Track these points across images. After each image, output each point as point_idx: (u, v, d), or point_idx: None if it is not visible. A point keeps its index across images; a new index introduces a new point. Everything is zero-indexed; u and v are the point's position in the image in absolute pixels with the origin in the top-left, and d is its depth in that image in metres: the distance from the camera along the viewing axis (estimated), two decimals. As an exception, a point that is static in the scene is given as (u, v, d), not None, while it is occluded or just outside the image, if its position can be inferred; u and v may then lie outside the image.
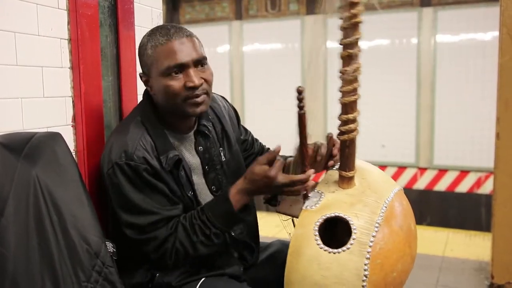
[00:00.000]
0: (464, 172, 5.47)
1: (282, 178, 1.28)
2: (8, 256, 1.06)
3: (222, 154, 1.52)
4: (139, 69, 1.75)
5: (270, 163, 1.29)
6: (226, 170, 1.52)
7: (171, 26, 1.37)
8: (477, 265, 3.25)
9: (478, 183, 5.42)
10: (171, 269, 1.39)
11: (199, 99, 1.34)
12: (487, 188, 5.29)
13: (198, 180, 1.46)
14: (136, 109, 1.47)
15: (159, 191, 1.33)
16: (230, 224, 1.35)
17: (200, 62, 1.35)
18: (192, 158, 1.46)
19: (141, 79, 1.42)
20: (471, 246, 3.70)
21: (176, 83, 1.31)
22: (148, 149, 1.33)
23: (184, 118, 1.43)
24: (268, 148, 1.78)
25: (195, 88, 1.32)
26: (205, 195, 1.47)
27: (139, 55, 1.42)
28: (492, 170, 2.91)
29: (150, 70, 1.36)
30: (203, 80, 1.34)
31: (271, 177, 1.27)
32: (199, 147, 1.47)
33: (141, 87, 1.77)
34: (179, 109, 1.35)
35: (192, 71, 1.32)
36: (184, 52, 1.32)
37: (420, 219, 5.54)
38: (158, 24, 1.88)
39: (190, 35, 1.36)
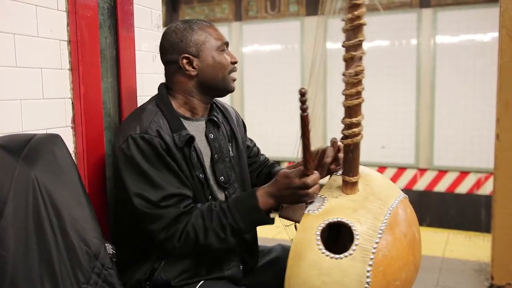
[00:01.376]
0: (464, 173, 5.47)
1: (297, 180, 1.28)
2: (7, 257, 1.06)
3: (230, 149, 1.56)
4: (138, 70, 1.76)
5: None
6: (234, 165, 1.55)
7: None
8: (477, 266, 3.25)
9: (478, 184, 5.42)
10: (172, 268, 1.39)
11: (236, 76, 1.53)
12: (487, 189, 5.29)
13: (207, 168, 1.48)
14: (152, 98, 1.52)
15: (170, 169, 1.35)
16: (249, 220, 1.35)
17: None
18: (202, 146, 1.48)
19: (179, 62, 1.45)
20: (471, 247, 3.69)
21: (227, 57, 1.49)
22: (162, 126, 1.39)
23: (210, 100, 1.54)
24: (273, 163, 1.80)
25: (236, 63, 1.52)
26: (211, 185, 1.48)
27: (179, 38, 1.46)
28: (492, 171, 2.91)
29: (202, 47, 1.46)
30: None
31: (289, 177, 1.29)
32: (210, 135, 1.50)
33: (140, 89, 1.78)
34: (224, 81, 1.49)
35: (228, 50, 1.52)
36: (222, 34, 1.52)
37: (420, 220, 5.52)
38: (158, 26, 1.89)
39: None
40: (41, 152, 1.22)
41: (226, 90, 1.51)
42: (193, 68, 1.45)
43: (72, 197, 1.26)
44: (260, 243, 1.63)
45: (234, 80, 1.52)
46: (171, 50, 1.46)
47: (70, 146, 1.47)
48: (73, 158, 1.44)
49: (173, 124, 1.41)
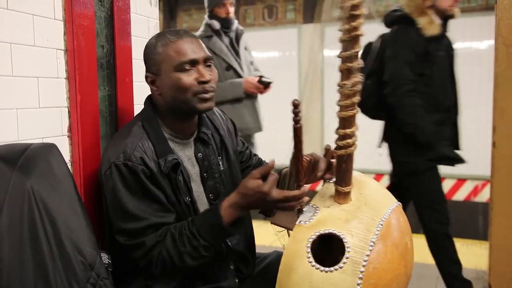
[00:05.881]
0: (461, 180, 5.47)
1: (276, 193, 1.26)
2: (1, 268, 1.05)
3: (220, 163, 1.53)
4: (135, 79, 1.76)
5: (264, 177, 1.28)
6: (224, 179, 1.52)
7: (178, 29, 1.43)
8: (474, 274, 3.24)
9: (475, 191, 5.41)
10: (169, 278, 1.38)
11: (207, 95, 1.38)
12: (484, 196, 5.29)
13: (197, 187, 1.46)
14: (138, 115, 1.49)
15: (153, 197, 1.33)
16: (218, 238, 1.34)
17: (208, 61, 1.41)
18: (191, 166, 1.46)
19: (147, 80, 1.45)
20: (468, 254, 3.68)
21: (188, 77, 1.36)
22: (147, 152, 1.35)
23: (187, 119, 1.45)
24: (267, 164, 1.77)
25: (205, 82, 1.37)
26: (202, 203, 1.46)
27: (146, 56, 1.45)
28: (489, 178, 2.91)
29: (160, 67, 1.39)
30: (211, 77, 1.39)
31: (264, 193, 1.26)
32: (199, 154, 1.47)
33: (137, 97, 1.78)
34: (188, 104, 1.38)
35: (202, 67, 1.38)
36: (195, 49, 1.38)
37: (417, 228, 5.51)
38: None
39: (196, 37, 1.43)
40: (37, 161, 1.22)
41: (193, 111, 1.41)
42: (157, 87, 1.42)
43: (68, 206, 1.25)
44: (257, 250, 1.63)
45: (206, 99, 1.38)
46: (144, 67, 1.46)
47: (66, 155, 1.47)
48: (69, 167, 1.43)
49: (159, 148, 1.37)
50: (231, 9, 3.37)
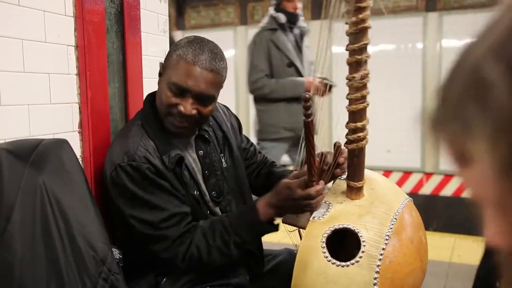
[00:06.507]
0: (470, 177, 5.43)
1: (300, 191, 1.27)
2: (14, 263, 1.06)
3: (223, 160, 1.52)
4: (145, 75, 1.77)
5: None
6: (227, 176, 1.51)
7: (208, 50, 1.33)
8: (484, 271, 3.22)
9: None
10: (179, 274, 1.38)
11: (179, 124, 1.35)
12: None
13: (201, 184, 1.46)
14: (137, 115, 1.49)
15: (165, 190, 1.33)
16: (252, 234, 1.34)
17: (206, 100, 1.35)
18: (193, 163, 1.46)
19: (160, 68, 1.41)
20: (478, 251, 3.65)
21: (172, 98, 1.33)
22: (150, 150, 1.34)
23: None
24: (273, 161, 1.77)
25: (179, 114, 1.33)
26: (207, 201, 1.46)
27: (170, 47, 1.43)
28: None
29: (165, 70, 1.37)
30: (195, 112, 1.33)
31: (291, 188, 1.27)
32: (200, 152, 1.47)
33: (147, 93, 1.77)
34: (163, 118, 1.38)
35: (190, 99, 1.32)
36: (196, 81, 1.30)
37: (427, 225, 5.48)
38: (164, 30, 1.89)
39: (215, 71, 1.33)
40: (48, 157, 1.22)
41: (168, 129, 1.38)
42: (159, 81, 1.41)
43: (79, 202, 1.26)
44: (266, 247, 1.63)
45: (177, 126, 1.35)
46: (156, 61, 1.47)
47: (77, 151, 1.47)
48: (80, 162, 1.44)
49: (161, 145, 1.37)
50: (299, 5, 3.34)
